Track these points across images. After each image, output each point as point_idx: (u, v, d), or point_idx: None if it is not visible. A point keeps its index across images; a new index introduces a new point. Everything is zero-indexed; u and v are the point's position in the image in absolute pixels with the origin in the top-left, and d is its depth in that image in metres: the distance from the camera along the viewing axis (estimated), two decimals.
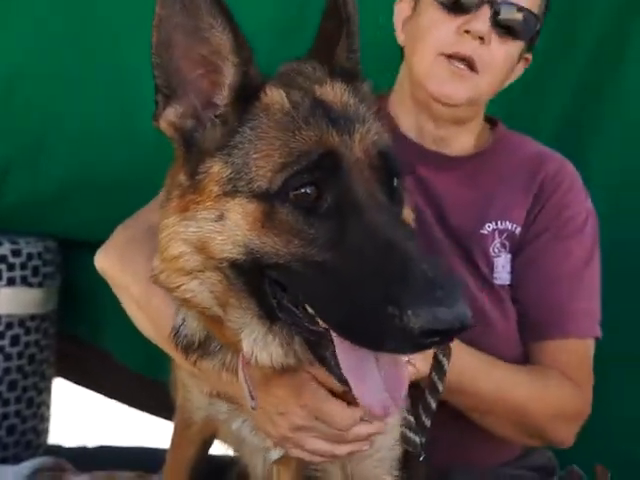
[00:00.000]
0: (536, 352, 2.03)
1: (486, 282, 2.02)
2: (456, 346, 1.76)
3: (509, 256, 2.05)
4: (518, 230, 2.05)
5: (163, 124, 1.46)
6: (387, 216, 1.32)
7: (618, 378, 2.59)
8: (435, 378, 1.72)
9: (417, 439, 1.73)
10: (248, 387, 1.52)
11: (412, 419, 1.74)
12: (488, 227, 2.05)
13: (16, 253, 2.79)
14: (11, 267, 2.77)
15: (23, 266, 2.80)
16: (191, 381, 1.81)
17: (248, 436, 1.74)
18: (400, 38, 2.10)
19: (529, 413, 1.93)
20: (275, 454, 1.71)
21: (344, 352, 1.33)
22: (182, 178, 1.46)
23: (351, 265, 1.27)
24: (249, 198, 1.36)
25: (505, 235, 2.05)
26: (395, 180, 1.43)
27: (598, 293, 2.08)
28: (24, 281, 2.80)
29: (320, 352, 1.38)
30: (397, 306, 1.18)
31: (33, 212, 2.88)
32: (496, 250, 2.04)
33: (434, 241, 2.01)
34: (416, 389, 1.73)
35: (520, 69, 2.12)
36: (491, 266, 2.04)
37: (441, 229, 2.04)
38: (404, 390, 1.36)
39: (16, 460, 2.75)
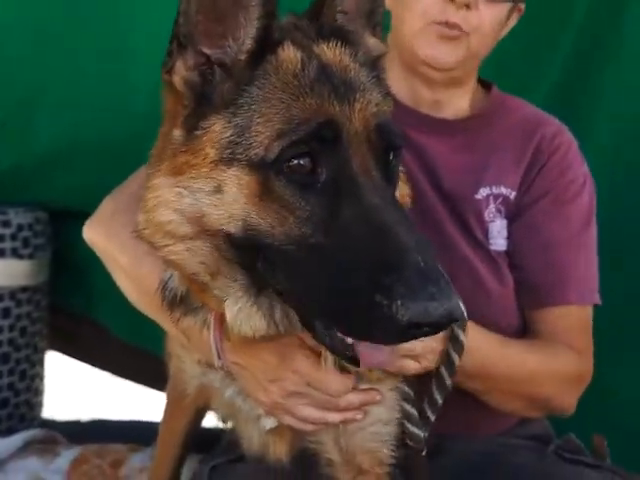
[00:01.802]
0: (536, 319, 2.00)
1: (481, 248, 1.99)
2: (472, 328, 1.74)
3: (505, 222, 2.01)
4: (513, 195, 2.02)
5: (176, 76, 1.38)
6: (383, 197, 1.28)
7: (614, 348, 2.56)
8: (444, 373, 1.70)
9: (420, 433, 1.71)
10: (216, 345, 1.52)
11: (415, 412, 1.71)
12: (482, 192, 2.01)
13: (6, 224, 2.76)
14: (1, 238, 2.75)
15: (13, 237, 2.78)
16: (184, 351, 1.79)
17: (242, 405, 1.72)
18: (387, 3, 2.05)
19: (537, 387, 1.91)
20: (269, 423, 1.69)
21: None
22: (177, 133, 1.39)
23: (341, 248, 1.24)
24: (245, 168, 1.30)
25: (500, 200, 2.01)
26: (391, 155, 1.38)
27: (596, 260, 2.05)
28: (14, 253, 2.78)
29: (309, 320, 1.34)
30: (386, 295, 1.16)
31: (21, 180, 2.84)
32: (491, 215, 2.00)
33: (428, 207, 1.98)
34: (420, 382, 1.71)
35: (513, 20, 2.07)
36: (486, 232, 2.00)
37: (435, 195, 2.00)
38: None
39: (10, 433, 2.75)
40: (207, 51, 1.37)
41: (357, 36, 1.51)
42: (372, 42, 1.54)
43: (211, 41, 1.37)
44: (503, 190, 2.01)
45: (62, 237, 3.00)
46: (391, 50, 2.07)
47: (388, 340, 1.26)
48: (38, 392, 3.01)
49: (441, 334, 1.65)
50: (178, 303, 1.56)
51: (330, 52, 1.41)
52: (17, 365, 2.84)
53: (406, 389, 1.72)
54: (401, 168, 1.56)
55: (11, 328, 2.80)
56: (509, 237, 2.02)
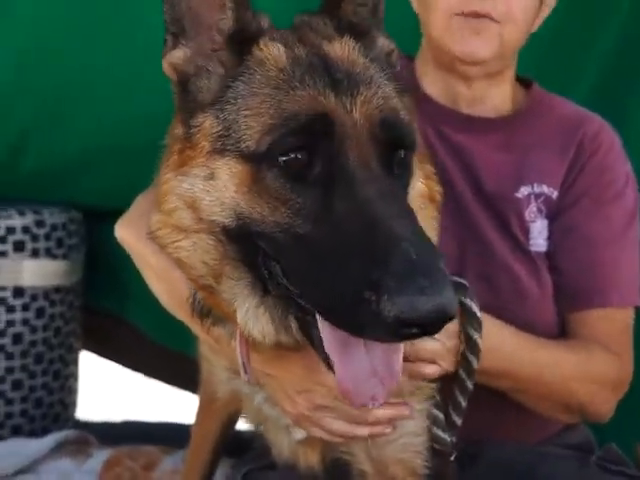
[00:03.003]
0: (574, 322, 1.95)
1: (521, 249, 1.94)
2: (497, 328, 1.70)
3: (545, 222, 1.96)
4: (555, 194, 1.96)
5: (165, 64, 1.42)
6: (379, 190, 1.23)
7: None
8: (463, 376, 1.66)
9: (447, 438, 1.67)
10: (242, 358, 1.49)
11: (441, 416, 1.67)
12: (523, 191, 1.96)
13: (40, 224, 2.76)
14: (35, 238, 2.74)
15: (47, 237, 2.77)
16: (213, 355, 1.77)
17: (271, 413, 1.69)
18: (413, 4, 2.01)
19: (572, 390, 1.86)
20: (299, 434, 1.66)
21: (328, 331, 1.25)
22: (178, 129, 1.42)
23: (333, 241, 1.20)
24: (237, 158, 1.31)
25: (541, 199, 1.96)
26: (402, 152, 1.34)
27: (637, 261, 1.99)
28: (48, 253, 2.78)
29: (308, 329, 1.31)
30: (374, 290, 1.11)
31: (54, 179, 2.83)
32: (532, 215, 1.95)
33: (466, 208, 1.94)
34: (445, 385, 1.67)
35: (551, 3, 2.01)
36: (526, 232, 1.95)
37: (474, 195, 1.96)
38: (395, 379, 1.28)
39: (44, 433, 2.75)
40: (205, 42, 1.39)
41: (371, 31, 1.49)
42: (381, 38, 1.52)
43: (199, 34, 1.39)
44: (545, 189, 1.96)
45: (96, 237, 2.99)
46: (425, 52, 2.05)
47: (379, 339, 1.20)
48: (72, 392, 3.00)
49: (455, 332, 1.62)
50: (206, 313, 1.54)
51: (340, 47, 1.39)
52: (51, 365, 2.84)
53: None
54: (432, 169, 1.54)
55: (45, 328, 2.79)
56: (549, 238, 1.97)
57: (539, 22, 2.00)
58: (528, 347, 1.80)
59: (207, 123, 1.36)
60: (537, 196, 1.96)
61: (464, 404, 1.68)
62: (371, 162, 1.27)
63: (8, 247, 2.69)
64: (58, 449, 2.56)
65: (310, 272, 1.23)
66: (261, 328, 1.40)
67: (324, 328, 1.26)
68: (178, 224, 1.40)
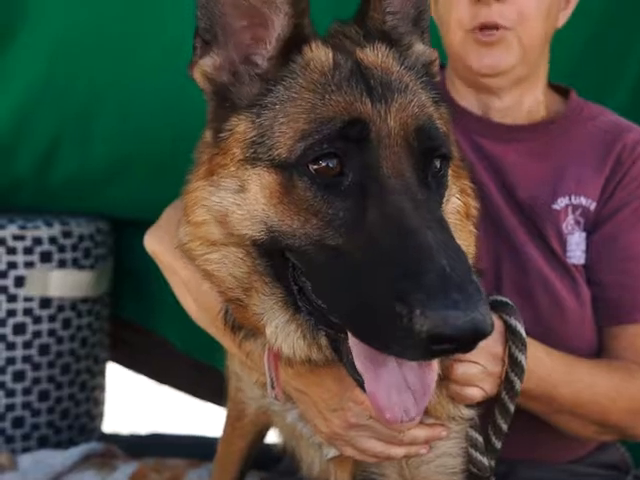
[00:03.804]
0: (611, 337, 1.89)
1: (558, 262, 1.88)
2: (533, 351, 1.64)
3: (584, 234, 1.91)
4: (593, 206, 1.91)
5: (197, 73, 1.38)
6: (413, 201, 1.20)
7: None
8: (506, 399, 1.61)
9: (486, 462, 1.62)
10: (270, 374, 1.45)
11: (480, 439, 1.62)
12: (561, 202, 1.91)
13: (67, 235, 2.75)
14: (62, 249, 2.74)
15: (74, 248, 2.77)
16: (243, 371, 1.74)
17: (303, 430, 1.65)
18: (435, 19, 1.98)
19: (609, 412, 1.79)
20: (331, 452, 1.62)
21: (358, 347, 1.22)
22: (207, 135, 1.40)
23: (365, 253, 1.17)
24: (268, 168, 1.28)
25: (579, 211, 1.91)
26: (437, 162, 1.30)
27: None
28: (75, 263, 2.77)
29: (337, 346, 1.28)
30: (406, 304, 1.07)
31: (80, 191, 2.83)
32: (569, 227, 1.90)
33: (502, 219, 1.90)
34: (485, 407, 1.63)
35: (572, 3, 1.96)
36: (564, 244, 1.90)
37: (509, 206, 1.91)
38: (428, 394, 1.23)
39: (70, 444, 2.74)
40: (232, 51, 1.36)
41: (405, 40, 1.46)
42: (420, 47, 1.48)
43: (239, 39, 1.35)
44: (583, 201, 1.91)
45: (123, 248, 2.99)
46: (451, 68, 2.02)
47: (408, 356, 1.15)
48: (99, 403, 2.99)
49: (499, 355, 1.58)
50: (238, 327, 1.51)
51: (373, 54, 1.37)
52: (77, 376, 2.83)
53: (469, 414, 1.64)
54: (469, 184, 1.51)
55: (72, 339, 2.79)
56: (587, 250, 1.91)
57: (567, 15, 1.96)
58: (564, 368, 1.74)
59: (241, 127, 1.32)
60: (575, 207, 1.91)
61: (505, 427, 1.63)
62: (405, 172, 1.24)
63: (35, 258, 2.68)
64: (83, 462, 2.54)
65: (340, 285, 1.19)
66: (291, 344, 1.37)
67: (354, 345, 1.22)
68: (207, 237, 1.36)
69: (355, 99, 1.26)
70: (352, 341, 1.23)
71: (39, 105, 2.69)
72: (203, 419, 3.47)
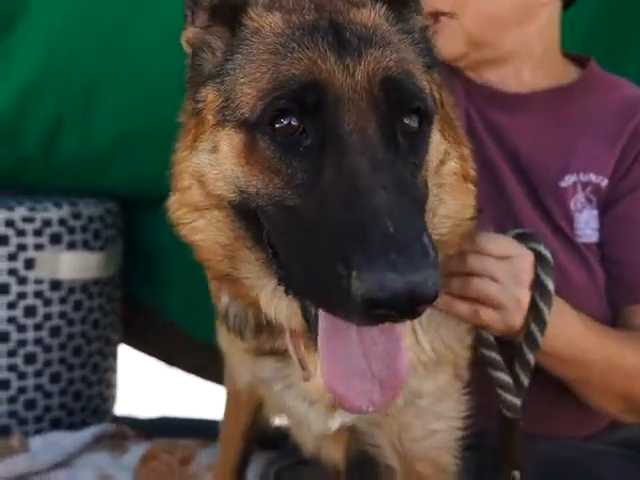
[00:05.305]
0: (628, 316, 1.85)
1: (567, 240, 1.84)
2: (565, 311, 1.63)
3: (595, 212, 1.85)
4: (605, 183, 1.85)
5: (183, 40, 1.43)
6: (372, 160, 1.16)
7: None
8: (534, 329, 1.58)
9: (516, 401, 1.61)
10: (297, 357, 1.43)
11: (510, 380, 1.62)
12: (568, 179, 1.85)
13: (76, 216, 2.73)
14: (71, 230, 2.72)
15: (84, 229, 2.75)
16: (231, 347, 1.71)
17: (293, 403, 1.62)
18: None
19: (636, 385, 1.77)
20: (335, 422, 1.58)
21: (326, 318, 1.18)
22: (190, 105, 1.41)
23: (317, 214, 1.14)
24: (236, 128, 1.29)
25: (590, 189, 1.85)
26: (413, 118, 1.25)
27: None
28: (85, 245, 2.75)
29: (306, 313, 1.25)
30: (346, 266, 1.03)
31: (89, 166, 2.80)
32: (578, 205, 1.85)
33: (508, 196, 1.85)
34: (510, 346, 1.62)
35: None
36: (570, 221, 1.85)
37: (517, 181, 1.87)
38: (400, 381, 1.19)
39: (83, 426, 2.74)
40: (199, 19, 1.41)
41: (410, 3, 1.44)
42: (417, 16, 1.46)
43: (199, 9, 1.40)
44: (592, 177, 1.85)
45: (133, 228, 2.97)
46: None
47: (353, 321, 1.11)
48: (111, 385, 2.99)
49: (526, 280, 1.55)
50: (252, 328, 1.51)
51: (366, 12, 1.34)
52: (89, 358, 2.82)
53: (496, 357, 1.63)
54: (468, 151, 1.49)
55: (83, 321, 2.78)
56: (601, 228, 1.87)
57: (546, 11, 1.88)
58: (594, 333, 1.72)
59: (210, 96, 1.35)
60: (584, 185, 1.85)
61: (532, 361, 1.62)
62: (368, 128, 1.20)
63: (45, 240, 2.67)
64: (95, 443, 2.55)
65: (296, 248, 1.18)
66: (282, 309, 1.36)
67: (322, 313, 1.19)
68: (191, 202, 1.37)
69: (318, 55, 1.24)
70: (320, 313, 1.20)
71: (42, 84, 2.66)
72: (213, 401, 3.46)
